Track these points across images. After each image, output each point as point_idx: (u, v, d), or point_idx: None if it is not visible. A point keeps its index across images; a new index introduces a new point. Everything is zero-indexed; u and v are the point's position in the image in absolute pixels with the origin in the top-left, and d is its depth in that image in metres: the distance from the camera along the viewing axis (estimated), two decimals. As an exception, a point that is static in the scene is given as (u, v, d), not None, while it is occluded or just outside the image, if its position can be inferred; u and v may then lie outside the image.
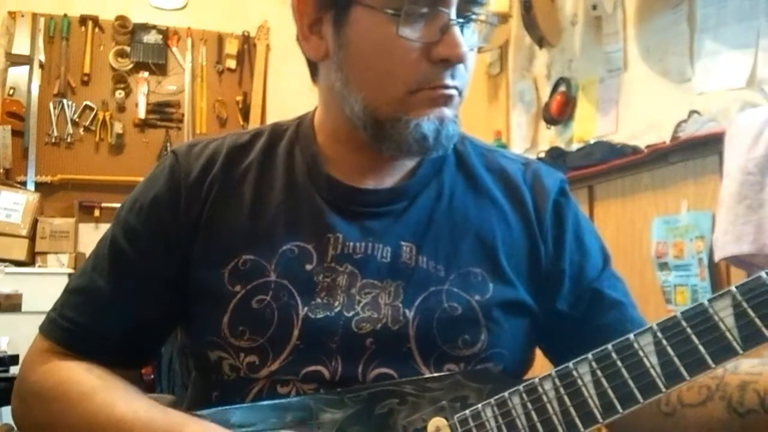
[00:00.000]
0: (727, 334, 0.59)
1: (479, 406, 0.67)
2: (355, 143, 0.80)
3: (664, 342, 0.61)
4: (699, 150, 1.95)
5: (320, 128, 0.84)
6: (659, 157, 2.08)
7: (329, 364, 0.73)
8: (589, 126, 2.67)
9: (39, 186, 3.96)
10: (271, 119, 4.17)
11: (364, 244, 0.77)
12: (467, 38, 0.74)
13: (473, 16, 0.75)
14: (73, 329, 0.78)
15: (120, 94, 4.16)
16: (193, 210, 0.80)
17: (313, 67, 0.83)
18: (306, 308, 0.75)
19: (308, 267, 0.76)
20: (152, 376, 2.87)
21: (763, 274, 0.59)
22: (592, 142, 2.51)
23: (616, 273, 0.86)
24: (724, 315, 0.60)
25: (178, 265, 0.79)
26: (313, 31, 0.79)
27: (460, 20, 0.73)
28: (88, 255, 0.85)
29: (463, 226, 0.80)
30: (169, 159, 0.84)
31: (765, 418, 0.63)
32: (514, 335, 0.78)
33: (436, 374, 0.74)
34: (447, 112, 0.75)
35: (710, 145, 1.89)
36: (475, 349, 0.74)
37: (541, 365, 0.65)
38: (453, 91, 0.75)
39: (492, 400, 0.67)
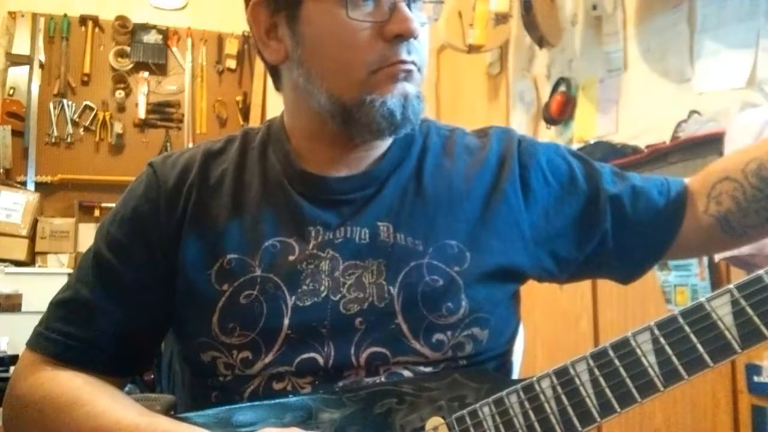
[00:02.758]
0: (726, 332, 0.59)
1: (476, 405, 0.67)
2: (328, 138, 0.82)
3: (662, 341, 0.61)
4: (699, 150, 1.94)
5: (291, 129, 0.86)
6: (659, 157, 2.07)
7: (322, 349, 0.74)
8: (589, 126, 2.67)
9: (39, 186, 3.97)
10: (271, 119, 4.16)
11: (343, 229, 0.79)
12: (415, 15, 0.76)
13: None
14: (60, 340, 0.79)
15: (120, 94, 4.17)
16: (173, 217, 0.81)
17: (275, 73, 0.86)
18: (294, 297, 0.76)
19: (291, 258, 0.78)
20: (152, 376, 2.87)
21: (762, 272, 0.59)
22: (592, 142, 2.50)
23: (603, 166, 0.89)
24: (723, 313, 0.60)
25: (162, 272, 0.80)
26: (270, 36, 0.82)
27: None
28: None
29: (435, 201, 0.81)
30: (146, 171, 0.86)
31: None
32: (495, 300, 0.79)
33: (434, 373, 0.74)
34: (409, 87, 0.77)
35: (710, 145, 1.88)
36: (459, 315, 0.76)
37: (539, 365, 0.65)
38: (411, 66, 0.77)
39: (489, 399, 0.67)
